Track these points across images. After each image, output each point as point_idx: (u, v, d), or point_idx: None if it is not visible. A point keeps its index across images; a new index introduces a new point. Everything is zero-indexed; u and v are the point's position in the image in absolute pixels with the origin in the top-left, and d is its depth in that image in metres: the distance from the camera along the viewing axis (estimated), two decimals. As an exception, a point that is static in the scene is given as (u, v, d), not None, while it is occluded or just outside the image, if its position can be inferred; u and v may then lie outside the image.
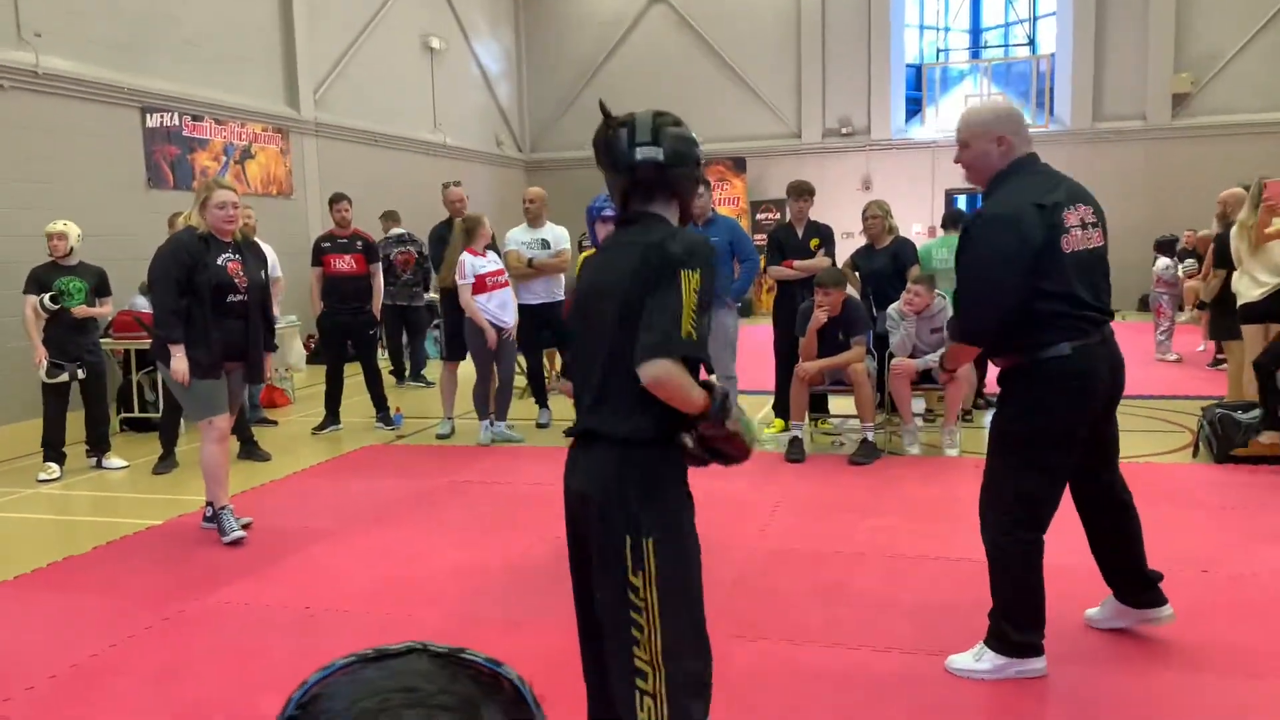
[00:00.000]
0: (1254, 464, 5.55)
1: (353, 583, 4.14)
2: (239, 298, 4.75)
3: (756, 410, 7.69)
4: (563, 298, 7.30)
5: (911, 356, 6.20)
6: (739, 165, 16.77)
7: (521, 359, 7.70)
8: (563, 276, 7.45)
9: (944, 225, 7.65)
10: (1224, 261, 6.77)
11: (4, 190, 7.79)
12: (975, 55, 17.93)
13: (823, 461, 6.13)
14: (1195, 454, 5.94)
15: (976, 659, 3.08)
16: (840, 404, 7.09)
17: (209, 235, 4.67)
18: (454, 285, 6.69)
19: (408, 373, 10.24)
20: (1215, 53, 14.93)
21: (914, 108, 17.19)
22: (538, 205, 7.31)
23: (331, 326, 7.60)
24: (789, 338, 6.52)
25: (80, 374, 6.32)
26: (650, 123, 2.12)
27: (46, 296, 6.12)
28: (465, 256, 6.61)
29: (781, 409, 6.80)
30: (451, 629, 3.55)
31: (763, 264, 7.23)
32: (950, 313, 6.26)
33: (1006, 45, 18.00)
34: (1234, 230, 6.31)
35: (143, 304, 7.59)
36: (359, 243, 7.64)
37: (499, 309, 6.73)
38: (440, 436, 7.19)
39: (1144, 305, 13.49)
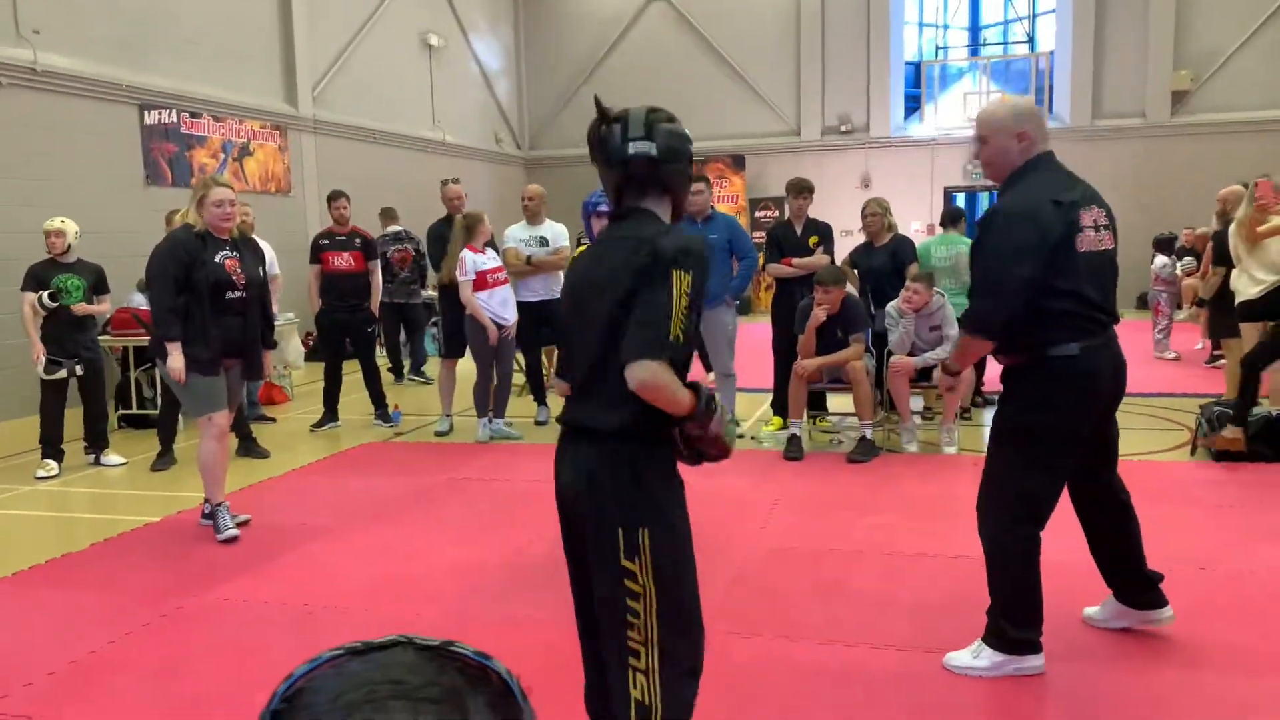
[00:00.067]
0: (1220, 460, 5.58)
1: (351, 580, 4.14)
2: (237, 295, 4.75)
3: (755, 408, 7.70)
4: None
5: (910, 354, 6.20)
6: (738, 163, 16.76)
7: (520, 356, 7.70)
8: (561, 274, 7.45)
9: (943, 223, 7.65)
10: (1223, 259, 6.77)
11: (2, 187, 7.78)
12: (974, 53, 17.93)
13: (821, 459, 6.13)
14: (1193, 452, 5.94)
15: (974, 656, 3.08)
16: (839, 402, 7.09)
17: (206, 233, 4.67)
18: (455, 282, 6.68)
19: (408, 368, 10.25)
20: (1215, 50, 14.93)
21: (913, 105, 17.19)
22: (536, 203, 7.31)
23: (330, 324, 7.59)
24: (788, 335, 6.52)
25: (79, 371, 6.32)
26: (644, 118, 2.14)
27: (45, 294, 6.11)
28: (466, 253, 6.61)
29: (780, 407, 6.80)
30: (450, 626, 3.55)
31: (761, 262, 7.23)
32: (949, 311, 6.26)
33: (1006, 43, 17.99)
34: (1233, 228, 6.31)
35: (141, 301, 7.58)
36: (357, 240, 7.64)
37: (500, 306, 6.73)
38: (439, 434, 7.19)
39: (1142, 303, 13.50)
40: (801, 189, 6.88)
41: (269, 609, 3.84)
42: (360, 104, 12.98)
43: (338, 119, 12.48)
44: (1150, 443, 6.22)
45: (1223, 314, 7.03)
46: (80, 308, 6.28)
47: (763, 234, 9.65)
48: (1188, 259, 10.83)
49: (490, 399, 6.95)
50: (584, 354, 2.13)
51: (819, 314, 6.03)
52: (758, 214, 16.72)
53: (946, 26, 18.07)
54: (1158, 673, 3.07)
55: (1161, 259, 10.53)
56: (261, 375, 5.23)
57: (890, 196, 8.21)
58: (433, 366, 9.59)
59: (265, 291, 5.06)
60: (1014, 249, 2.86)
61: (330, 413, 7.57)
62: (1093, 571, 3.34)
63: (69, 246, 6.25)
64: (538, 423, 7.38)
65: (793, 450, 6.10)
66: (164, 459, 6.44)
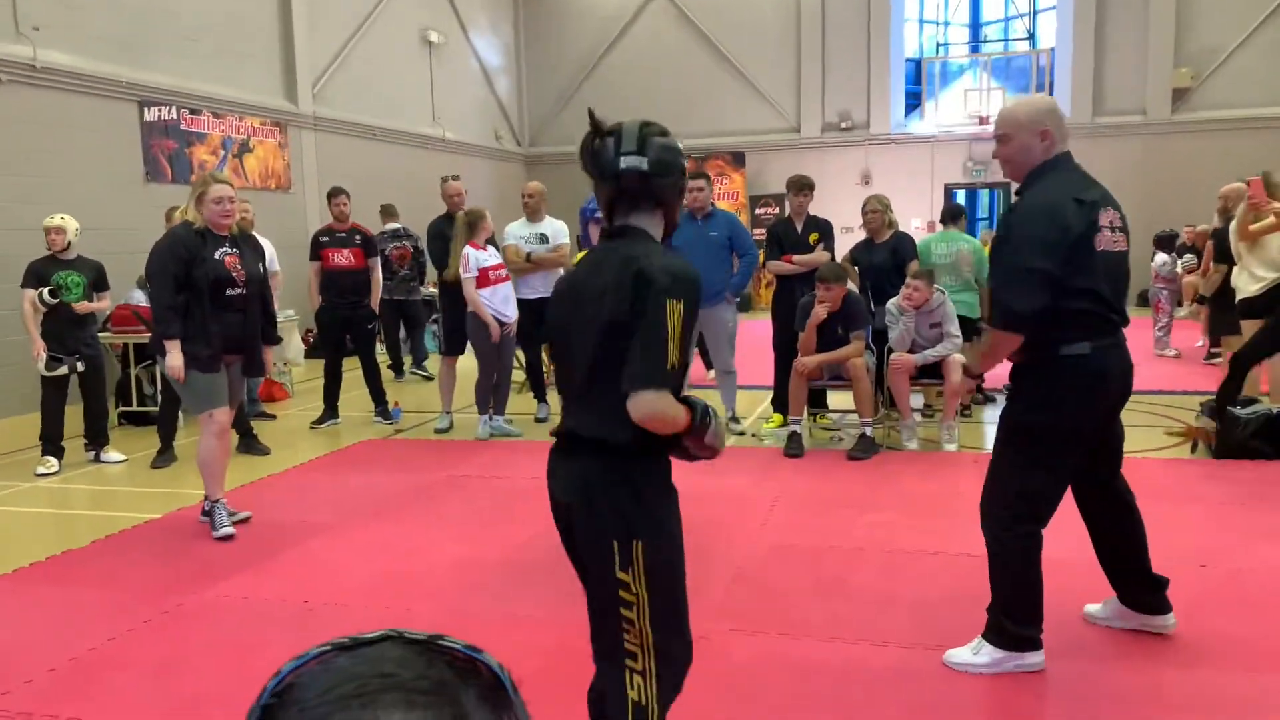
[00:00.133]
0: (1226, 457, 5.59)
1: (351, 577, 4.15)
2: (237, 291, 4.75)
3: (755, 405, 7.69)
4: (561, 293, 7.29)
5: (910, 351, 6.20)
6: (738, 160, 16.76)
7: (520, 353, 7.70)
8: (561, 271, 7.45)
9: (943, 220, 7.64)
10: (1224, 257, 6.77)
11: (2, 184, 7.78)
12: (975, 50, 17.92)
13: (821, 456, 6.13)
14: (1194, 450, 5.94)
15: (974, 653, 3.09)
16: (839, 399, 7.09)
17: (206, 230, 4.66)
18: (458, 280, 6.68)
19: (410, 364, 10.26)
20: (1215, 47, 14.92)
21: (913, 102, 17.18)
22: (536, 200, 7.30)
23: (330, 321, 7.59)
24: (788, 332, 6.52)
25: (79, 367, 6.32)
26: (636, 132, 2.14)
27: (46, 290, 6.11)
28: (469, 250, 6.60)
29: (780, 404, 6.80)
30: (449, 623, 3.55)
31: (762, 259, 7.23)
32: (950, 308, 6.26)
33: (1006, 40, 17.98)
34: (1233, 225, 6.31)
35: (141, 298, 7.58)
36: (357, 237, 7.63)
37: (502, 303, 6.72)
38: (439, 431, 7.19)
39: (1143, 300, 13.50)
40: (802, 186, 6.88)
41: (269, 606, 3.84)
42: (360, 101, 12.97)
43: (338, 116, 12.47)
44: (1150, 440, 6.22)
45: (1223, 311, 7.03)
46: (81, 305, 6.28)
47: (763, 231, 9.65)
48: (1188, 256, 10.83)
49: (490, 396, 6.95)
50: (577, 367, 2.15)
51: (820, 311, 6.02)
52: (758, 211, 16.72)
53: (947, 23, 18.06)
54: (1157, 670, 3.07)
55: (1162, 256, 10.53)
56: (262, 372, 5.23)
57: (890, 193, 8.21)
58: (433, 363, 9.60)
59: (266, 288, 5.06)
60: (1039, 244, 2.85)
61: (330, 410, 7.57)
62: (1093, 569, 3.34)
63: (69, 243, 6.24)
64: (538, 420, 7.38)
65: (793, 447, 6.10)
66: (164, 456, 6.44)
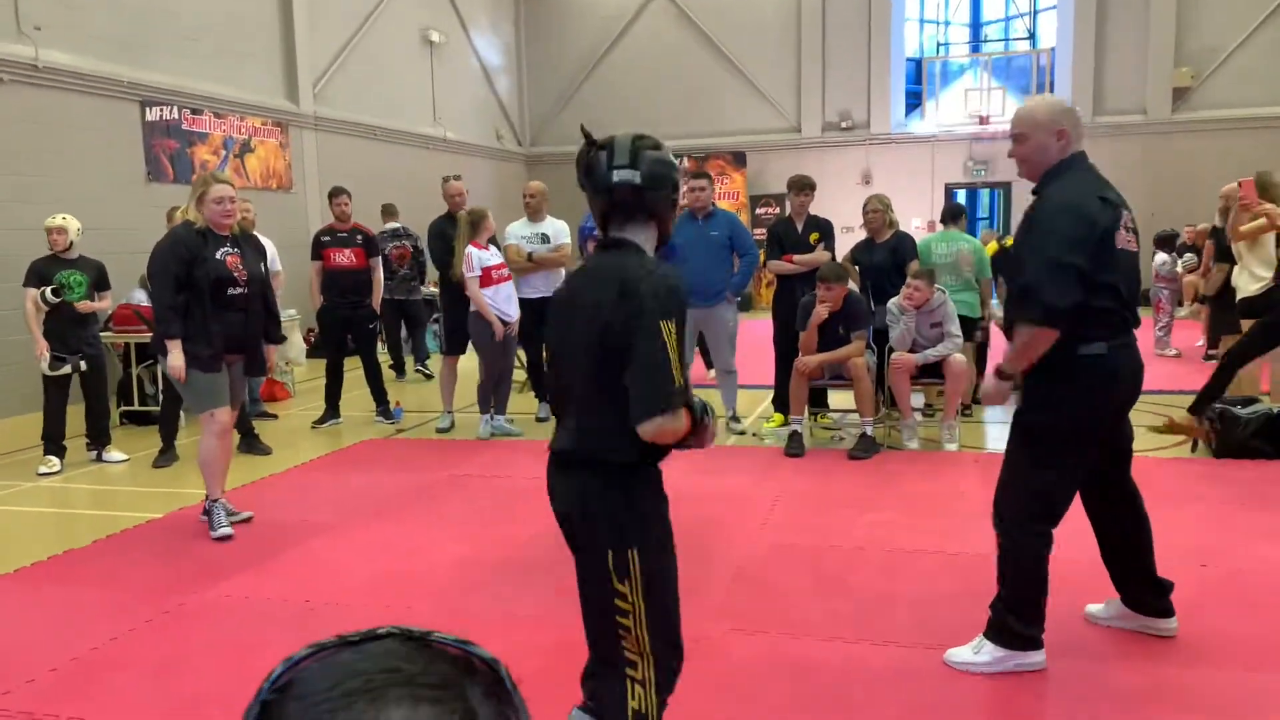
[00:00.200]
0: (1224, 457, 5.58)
1: (353, 576, 4.15)
2: (239, 291, 4.75)
3: (756, 404, 7.70)
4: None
5: (911, 351, 6.20)
6: (739, 159, 16.76)
7: (521, 353, 7.70)
8: (562, 271, 7.45)
9: (943, 220, 7.65)
10: (1226, 256, 6.78)
11: (3, 183, 7.78)
12: (975, 49, 17.91)
13: (822, 456, 6.13)
14: (1194, 449, 5.95)
15: (975, 652, 3.09)
16: (840, 399, 7.09)
17: (207, 230, 4.66)
18: (460, 279, 6.68)
19: (413, 362, 10.27)
20: (1216, 47, 14.91)
21: (914, 102, 17.18)
22: (538, 199, 7.30)
23: (331, 320, 7.59)
24: (788, 332, 6.52)
25: (82, 366, 6.33)
26: (629, 146, 2.17)
27: (48, 290, 6.12)
28: (471, 249, 6.61)
29: (781, 403, 6.80)
30: (450, 622, 3.55)
31: (762, 258, 7.23)
32: (950, 308, 6.26)
33: (1007, 39, 17.98)
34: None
35: (142, 298, 7.58)
36: (359, 236, 7.63)
37: (505, 303, 6.73)
38: (440, 430, 7.19)
39: (1144, 300, 13.49)
40: (803, 186, 6.88)
41: (270, 605, 3.84)
42: (361, 100, 12.98)
43: (339, 115, 12.48)
44: (1149, 440, 6.21)
45: (1224, 311, 7.03)
46: (83, 304, 6.29)
47: (763, 231, 9.65)
48: (1188, 256, 10.82)
49: (492, 396, 6.96)
50: (572, 383, 2.20)
51: (821, 311, 6.02)
52: (758, 210, 16.72)
53: (948, 23, 18.06)
54: (1158, 669, 3.07)
55: (1162, 256, 10.52)
56: (264, 371, 5.23)
57: (891, 193, 8.20)
58: (434, 363, 9.60)
59: (267, 287, 5.06)
60: (1070, 238, 2.84)
61: (332, 409, 7.58)
62: (1095, 569, 3.34)
63: (71, 243, 6.25)
64: (539, 419, 7.39)
65: (794, 447, 6.10)
66: (166, 455, 6.44)
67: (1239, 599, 3.61)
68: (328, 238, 7.61)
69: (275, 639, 3.48)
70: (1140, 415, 6.74)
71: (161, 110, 9.58)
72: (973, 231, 11.36)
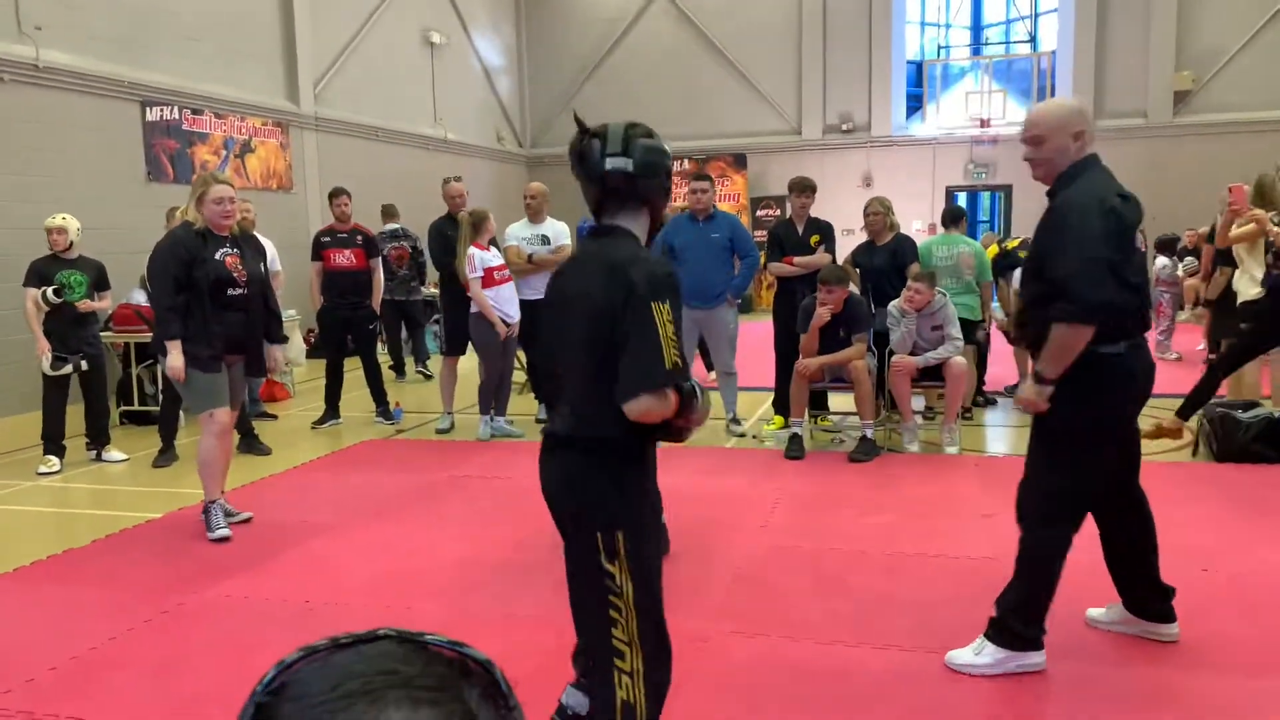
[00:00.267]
0: (1224, 460, 5.57)
1: (352, 577, 4.15)
2: (238, 292, 4.74)
3: (756, 407, 7.69)
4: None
5: (912, 354, 6.20)
6: (740, 161, 16.76)
7: (521, 354, 7.70)
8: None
9: (944, 222, 7.65)
10: (1229, 260, 6.78)
11: (4, 184, 7.78)
12: (976, 52, 17.91)
13: (822, 459, 6.13)
14: (1195, 453, 5.95)
15: (976, 653, 3.08)
16: (840, 401, 7.09)
17: (206, 230, 4.66)
18: (465, 280, 6.68)
19: (413, 362, 10.27)
20: (1217, 50, 14.91)
21: (915, 104, 17.17)
22: (539, 201, 7.30)
23: (331, 321, 7.59)
24: (789, 334, 6.52)
25: (83, 366, 6.33)
26: (621, 134, 2.20)
27: (50, 290, 6.12)
28: (473, 250, 6.61)
29: (781, 406, 6.79)
30: (451, 622, 3.55)
31: (763, 260, 7.23)
32: (951, 310, 6.26)
33: (1008, 42, 17.98)
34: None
35: (142, 298, 7.58)
36: (359, 237, 7.63)
37: (506, 304, 6.73)
38: (440, 431, 7.19)
39: (1144, 303, 13.46)
40: (804, 188, 6.87)
41: (270, 606, 3.84)
42: (362, 101, 12.98)
43: (339, 116, 12.48)
44: (1152, 444, 6.21)
45: (1225, 315, 7.03)
46: (83, 304, 6.29)
47: (764, 233, 9.65)
48: (1189, 259, 10.81)
49: (492, 397, 6.95)
50: (563, 367, 2.23)
51: (823, 313, 6.02)
52: (759, 213, 16.72)
53: (948, 26, 18.06)
54: (1158, 672, 3.07)
55: (1163, 260, 10.52)
56: (264, 372, 5.22)
57: (892, 195, 8.20)
58: (434, 363, 9.60)
59: (268, 287, 5.06)
60: (1102, 234, 2.84)
61: (332, 410, 7.57)
62: (1095, 573, 3.34)
63: (71, 243, 6.25)
64: (539, 420, 7.38)
65: (794, 449, 6.09)
66: (165, 455, 6.44)
67: (1240, 603, 3.61)
68: (328, 238, 7.61)
69: (275, 639, 3.47)
70: (1140, 419, 6.76)
71: (162, 110, 9.58)
72: (973, 234, 11.36)
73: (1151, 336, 10.71)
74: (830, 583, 3.95)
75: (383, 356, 8.57)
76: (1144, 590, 3.26)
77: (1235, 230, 6.02)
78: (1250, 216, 5.81)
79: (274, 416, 8.02)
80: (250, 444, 6.65)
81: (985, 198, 17.88)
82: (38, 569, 4.37)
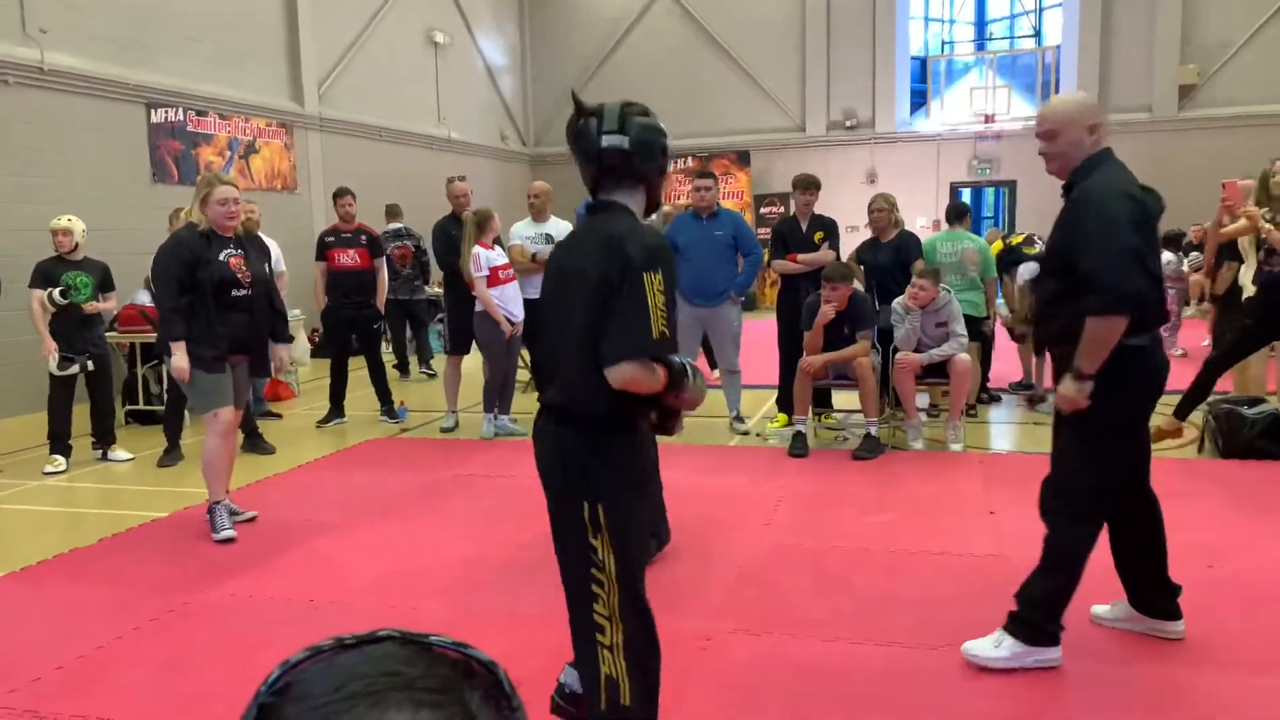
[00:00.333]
0: (1230, 456, 5.55)
1: (357, 575, 4.16)
2: (243, 293, 4.75)
3: (760, 404, 7.69)
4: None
5: (916, 351, 6.19)
6: (743, 158, 16.75)
7: (525, 352, 7.71)
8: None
9: (948, 219, 7.63)
10: (1235, 255, 6.75)
11: (9, 185, 7.81)
12: (980, 47, 17.88)
13: (826, 456, 6.12)
14: (1200, 449, 5.93)
15: (995, 645, 3.06)
16: (844, 399, 7.08)
17: (210, 231, 4.66)
18: (470, 279, 6.69)
19: (416, 363, 10.28)
20: (1222, 44, 14.86)
21: (919, 100, 17.14)
22: (542, 200, 7.30)
23: (336, 321, 7.61)
24: (793, 331, 6.51)
25: (90, 366, 6.35)
26: (618, 112, 2.23)
27: (56, 290, 6.14)
28: (479, 250, 6.62)
29: (785, 403, 6.79)
30: (455, 621, 3.56)
31: (766, 258, 7.22)
32: (956, 307, 6.25)
33: (1012, 37, 17.94)
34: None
35: (147, 299, 7.60)
36: (363, 237, 7.64)
37: (511, 302, 6.74)
38: (444, 430, 7.20)
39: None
40: (809, 185, 6.87)
41: (275, 605, 3.85)
42: (366, 101, 13.00)
43: (343, 116, 12.50)
44: (1156, 444, 6.19)
45: (1233, 310, 7.00)
46: (89, 305, 6.31)
47: (768, 230, 9.63)
48: (1195, 254, 10.78)
49: (497, 395, 6.96)
50: (558, 339, 2.26)
51: (828, 311, 6.01)
52: (763, 210, 16.70)
53: (953, 21, 18.03)
54: (1163, 670, 3.06)
55: (1168, 255, 10.48)
56: (269, 372, 5.23)
57: (896, 192, 8.17)
58: (438, 362, 9.61)
59: (272, 287, 5.07)
60: (1130, 224, 2.82)
61: (336, 409, 7.59)
62: (1099, 570, 3.32)
63: (77, 244, 6.27)
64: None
65: (798, 447, 6.09)
66: (171, 455, 6.46)
67: (1245, 600, 3.60)
68: (332, 238, 7.63)
69: (279, 638, 3.48)
70: (1146, 415, 6.75)
71: (166, 112, 9.60)
72: (977, 230, 11.34)
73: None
74: (833, 581, 3.95)
75: (387, 356, 8.58)
76: (1150, 588, 3.25)
77: (1228, 228, 6.01)
78: (1243, 213, 5.80)
79: (279, 415, 8.04)
80: (255, 443, 6.67)
81: (990, 194, 17.84)
82: (44, 568, 4.38)
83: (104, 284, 6.44)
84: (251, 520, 4.92)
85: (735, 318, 6.75)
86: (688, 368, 2.21)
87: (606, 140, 2.21)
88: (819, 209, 6.97)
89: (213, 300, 4.63)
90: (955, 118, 16.51)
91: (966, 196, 16.12)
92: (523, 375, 8.06)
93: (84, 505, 5.72)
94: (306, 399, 8.83)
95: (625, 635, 2.20)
